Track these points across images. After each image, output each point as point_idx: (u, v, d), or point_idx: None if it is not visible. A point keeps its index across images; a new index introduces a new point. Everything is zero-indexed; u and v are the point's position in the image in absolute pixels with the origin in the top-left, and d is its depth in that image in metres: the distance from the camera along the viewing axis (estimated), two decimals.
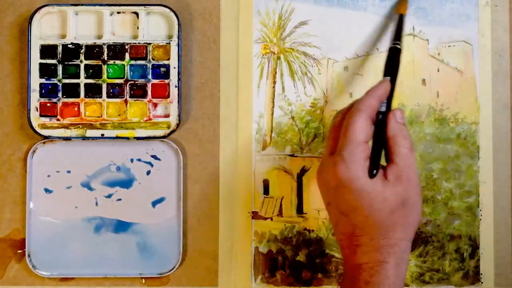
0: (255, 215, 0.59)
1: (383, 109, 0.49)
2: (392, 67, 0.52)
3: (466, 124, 0.59)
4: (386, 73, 0.52)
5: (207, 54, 0.60)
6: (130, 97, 0.59)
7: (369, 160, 0.47)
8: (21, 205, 0.59)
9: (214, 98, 0.60)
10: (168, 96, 0.58)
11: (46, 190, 0.59)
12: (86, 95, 0.59)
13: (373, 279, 0.46)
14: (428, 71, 0.60)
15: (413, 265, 0.59)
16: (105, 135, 0.58)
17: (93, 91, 0.59)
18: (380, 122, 0.49)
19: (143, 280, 0.59)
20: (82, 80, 0.59)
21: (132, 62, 0.59)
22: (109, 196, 0.59)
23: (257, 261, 0.59)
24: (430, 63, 0.60)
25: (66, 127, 0.59)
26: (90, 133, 0.58)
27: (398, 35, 0.54)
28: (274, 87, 0.60)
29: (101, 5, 0.59)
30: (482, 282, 0.59)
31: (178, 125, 0.58)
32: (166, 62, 0.58)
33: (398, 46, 0.53)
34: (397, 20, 0.56)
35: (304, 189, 0.59)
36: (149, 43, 0.59)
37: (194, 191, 0.59)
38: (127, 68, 0.59)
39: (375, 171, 0.47)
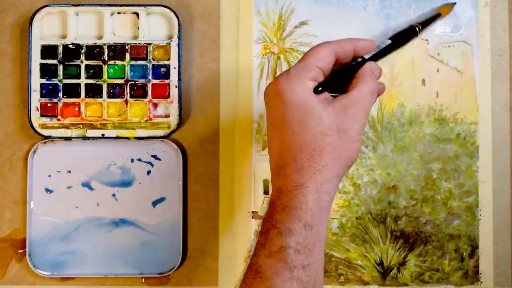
0: (255, 215, 0.59)
1: (366, 57, 0.49)
2: (399, 38, 0.52)
3: (465, 124, 0.60)
4: (391, 37, 0.52)
5: (207, 54, 0.60)
6: (130, 97, 0.59)
7: (317, 83, 0.45)
8: (21, 205, 0.59)
9: (214, 98, 0.60)
10: (168, 96, 0.59)
11: (47, 190, 0.59)
12: (86, 95, 0.59)
13: (290, 202, 0.43)
14: (427, 71, 0.60)
15: (413, 265, 0.59)
16: (105, 135, 0.59)
17: (93, 91, 0.59)
18: (353, 65, 0.48)
19: (143, 279, 0.59)
20: (83, 80, 0.59)
21: (133, 62, 0.59)
22: (110, 196, 0.59)
23: None
24: (429, 63, 0.60)
25: (66, 127, 0.59)
26: (90, 133, 0.59)
27: (424, 24, 0.55)
28: None
29: (101, 5, 0.59)
30: (481, 282, 0.59)
31: (178, 125, 0.59)
32: (166, 62, 0.59)
33: (418, 28, 0.54)
34: (434, 15, 0.58)
35: None
36: (150, 44, 0.59)
37: (194, 191, 0.59)
38: (127, 68, 0.59)
39: (320, 88, 0.45)
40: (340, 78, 0.47)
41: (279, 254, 0.42)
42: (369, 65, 0.48)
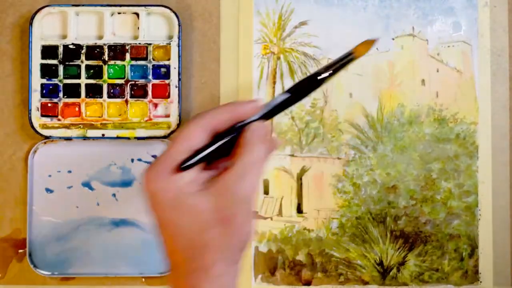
0: (255, 215, 0.59)
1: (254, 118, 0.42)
2: (299, 89, 0.43)
3: (465, 124, 0.60)
4: (289, 89, 0.44)
5: (207, 55, 0.60)
6: (130, 97, 0.59)
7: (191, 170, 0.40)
8: (22, 205, 0.59)
9: (214, 98, 0.60)
10: (169, 96, 0.59)
11: (47, 190, 0.59)
12: (87, 95, 0.59)
13: None
14: (427, 71, 0.60)
15: (412, 265, 0.59)
16: (105, 135, 0.59)
17: (94, 91, 0.59)
18: (226, 133, 0.42)
19: (144, 279, 0.59)
20: (83, 81, 0.59)
21: (133, 62, 0.59)
22: (110, 196, 0.59)
23: (257, 261, 0.59)
24: (429, 63, 0.60)
25: (67, 127, 0.59)
26: (91, 133, 0.59)
27: (331, 67, 0.44)
28: (274, 87, 0.60)
29: (101, 5, 0.59)
30: (481, 282, 0.59)
31: (178, 125, 0.59)
32: (166, 62, 0.59)
33: (320, 76, 0.43)
34: (345, 55, 0.44)
35: (304, 189, 0.60)
36: (150, 44, 0.59)
37: None
38: (127, 69, 0.59)
39: (184, 165, 0.39)
40: (214, 153, 0.41)
41: None
42: (251, 127, 0.41)
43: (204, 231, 0.39)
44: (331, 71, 0.43)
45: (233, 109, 0.42)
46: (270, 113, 0.43)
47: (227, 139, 0.41)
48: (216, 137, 0.41)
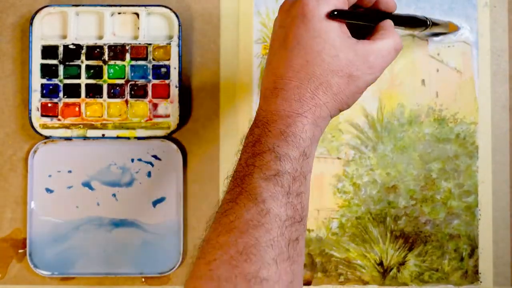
0: None
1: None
2: (411, 19, 0.51)
3: (465, 124, 0.60)
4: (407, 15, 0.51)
5: (207, 55, 0.60)
6: (130, 97, 0.59)
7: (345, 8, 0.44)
8: (22, 205, 0.59)
9: (214, 98, 0.60)
10: (169, 96, 0.59)
11: (47, 190, 0.59)
12: (87, 95, 0.59)
13: (289, 129, 0.41)
14: (427, 71, 0.60)
15: (412, 265, 0.59)
16: (106, 135, 0.59)
17: (94, 91, 0.59)
18: (380, 13, 0.47)
19: (143, 279, 0.59)
20: (83, 81, 0.59)
21: (133, 62, 0.59)
22: (110, 196, 0.59)
23: None
24: (429, 63, 0.60)
25: (67, 127, 0.59)
26: (91, 133, 0.59)
27: (435, 24, 0.54)
28: None
29: (101, 5, 0.59)
30: (481, 282, 0.59)
31: (178, 125, 0.59)
32: (166, 62, 0.59)
33: (428, 22, 0.51)
34: (444, 23, 0.57)
35: None
36: (150, 44, 0.59)
37: (194, 191, 0.60)
38: (127, 69, 0.59)
39: (336, 13, 0.42)
40: (362, 19, 0.46)
41: (276, 178, 0.40)
42: (391, 22, 0.46)
43: (335, 75, 0.42)
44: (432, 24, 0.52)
45: None
46: (399, 20, 0.48)
47: (373, 14, 0.47)
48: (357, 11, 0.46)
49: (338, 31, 0.43)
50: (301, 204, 0.41)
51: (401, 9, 0.60)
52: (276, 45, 0.44)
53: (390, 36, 0.45)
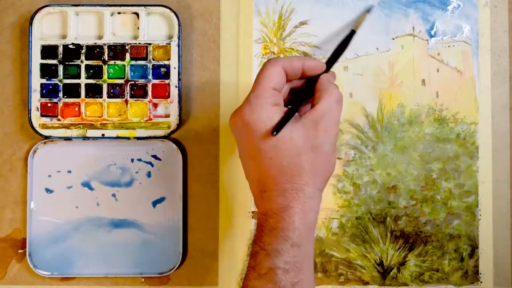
0: (255, 215, 0.59)
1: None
2: (344, 43, 0.53)
3: (465, 124, 0.60)
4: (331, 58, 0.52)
5: (207, 54, 0.60)
6: (130, 97, 0.59)
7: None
8: (22, 205, 0.59)
9: (214, 98, 0.60)
10: (169, 96, 0.59)
11: (47, 190, 0.59)
12: (86, 95, 0.59)
13: (278, 225, 0.44)
14: (428, 71, 0.60)
15: (413, 265, 0.59)
16: (105, 135, 0.59)
17: (93, 91, 0.59)
18: (311, 79, 0.49)
19: (143, 279, 0.59)
20: (83, 80, 0.59)
21: (133, 62, 0.59)
22: (110, 196, 0.59)
23: None
24: (429, 63, 0.60)
25: (66, 127, 0.59)
26: (90, 133, 0.59)
27: (358, 23, 0.56)
28: None
29: (101, 5, 0.59)
30: (481, 282, 0.59)
31: (178, 125, 0.59)
32: (166, 62, 0.59)
33: (354, 29, 0.54)
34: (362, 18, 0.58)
35: None
36: (150, 44, 0.59)
37: (194, 191, 0.60)
38: (127, 68, 0.59)
39: (275, 132, 0.45)
40: (298, 105, 0.48)
41: (268, 275, 0.43)
42: (324, 76, 0.49)
43: (299, 156, 0.45)
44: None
45: (303, 60, 0.48)
46: (331, 61, 0.51)
47: (310, 82, 0.49)
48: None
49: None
50: None
51: (402, 9, 0.60)
52: (243, 158, 0.48)
53: (326, 94, 0.47)
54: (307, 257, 0.45)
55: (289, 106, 0.47)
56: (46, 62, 0.59)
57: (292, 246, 0.44)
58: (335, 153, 0.47)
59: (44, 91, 0.59)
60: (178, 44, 0.58)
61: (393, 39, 0.60)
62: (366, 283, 0.59)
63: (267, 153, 0.45)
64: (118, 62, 0.59)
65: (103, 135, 0.59)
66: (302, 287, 0.43)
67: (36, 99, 0.58)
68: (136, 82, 0.59)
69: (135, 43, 0.59)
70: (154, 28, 0.60)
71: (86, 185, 0.59)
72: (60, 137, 0.59)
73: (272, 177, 0.45)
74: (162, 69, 0.59)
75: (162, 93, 0.59)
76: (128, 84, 0.59)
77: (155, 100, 0.59)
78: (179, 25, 0.59)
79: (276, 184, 0.45)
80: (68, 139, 0.59)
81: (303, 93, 0.49)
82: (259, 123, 0.45)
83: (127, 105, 0.59)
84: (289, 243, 0.44)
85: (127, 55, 0.59)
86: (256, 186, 0.47)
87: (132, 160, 0.59)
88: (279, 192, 0.45)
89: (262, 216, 0.46)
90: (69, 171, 0.59)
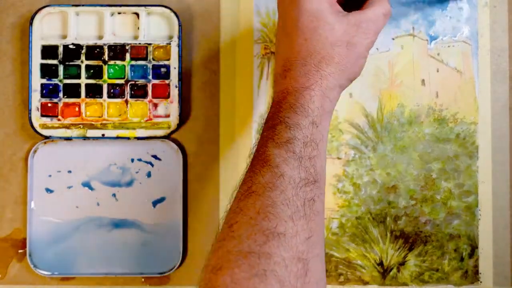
0: None
1: None
2: None
3: (465, 124, 0.60)
4: None
5: (207, 54, 0.60)
6: (130, 97, 0.59)
7: None
8: (22, 205, 0.59)
9: (214, 98, 0.60)
10: (169, 96, 0.59)
11: (47, 190, 0.59)
12: (87, 95, 0.59)
13: (298, 101, 0.45)
14: (427, 71, 0.60)
15: (412, 265, 0.59)
16: (105, 135, 0.59)
17: (94, 91, 0.59)
18: None
19: (143, 279, 0.59)
20: (83, 81, 0.59)
21: (133, 62, 0.59)
22: (110, 196, 0.59)
23: None
24: (429, 63, 0.60)
25: (67, 127, 0.59)
26: (91, 133, 0.59)
27: None
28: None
29: (101, 5, 0.59)
30: (481, 282, 0.59)
31: (178, 125, 0.59)
32: (166, 62, 0.59)
33: None
34: None
35: None
36: (150, 44, 0.59)
37: (194, 191, 0.60)
38: (127, 69, 0.59)
39: None
40: None
41: (287, 144, 0.43)
42: None
43: (334, 46, 0.46)
44: None
45: None
46: None
47: None
48: None
49: (329, 8, 0.46)
50: (314, 167, 0.43)
51: (402, 9, 0.60)
52: (279, 34, 0.48)
53: (377, 3, 0.48)
54: (322, 139, 0.45)
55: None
56: (46, 62, 0.59)
57: (311, 123, 0.44)
58: (366, 59, 0.48)
59: (44, 91, 0.59)
60: (178, 44, 0.59)
61: (393, 39, 0.60)
62: (366, 283, 0.59)
63: (305, 33, 0.46)
64: (118, 62, 0.59)
65: (103, 135, 0.59)
66: (317, 163, 0.44)
67: (36, 99, 0.59)
68: (136, 82, 0.59)
69: (135, 43, 0.59)
70: (154, 28, 0.60)
71: (87, 185, 0.59)
72: (60, 137, 0.59)
73: (302, 57, 0.46)
74: (162, 69, 0.59)
75: (162, 93, 0.59)
76: (128, 84, 0.59)
77: (155, 100, 0.59)
78: (179, 25, 0.59)
79: (303, 65, 0.46)
80: (68, 139, 0.59)
81: None
82: (309, 2, 0.46)
83: (127, 105, 0.59)
84: (309, 120, 0.44)
85: (127, 55, 0.59)
86: (281, 65, 0.47)
87: (132, 160, 0.59)
88: (304, 73, 0.46)
89: (280, 94, 0.46)
90: (69, 171, 0.59)
